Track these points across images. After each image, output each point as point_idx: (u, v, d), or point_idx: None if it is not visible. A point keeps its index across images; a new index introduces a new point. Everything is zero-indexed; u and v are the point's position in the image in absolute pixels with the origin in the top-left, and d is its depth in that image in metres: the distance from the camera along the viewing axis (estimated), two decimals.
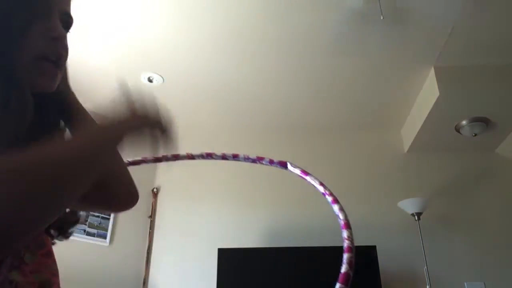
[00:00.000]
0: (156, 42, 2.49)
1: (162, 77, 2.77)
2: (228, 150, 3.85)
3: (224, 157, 1.07)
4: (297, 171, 0.91)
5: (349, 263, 0.64)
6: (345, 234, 0.71)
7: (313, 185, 0.86)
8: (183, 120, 3.33)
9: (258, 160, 1.02)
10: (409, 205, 2.83)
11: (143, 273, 2.97)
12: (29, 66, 0.55)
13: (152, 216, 3.17)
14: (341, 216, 0.74)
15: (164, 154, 1.05)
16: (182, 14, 2.29)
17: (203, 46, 2.51)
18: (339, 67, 2.69)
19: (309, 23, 2.30)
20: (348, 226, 0.72)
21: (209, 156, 1.08)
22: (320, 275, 2.73)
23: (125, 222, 3.04)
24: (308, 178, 0.87)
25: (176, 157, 1.07)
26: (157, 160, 1.04)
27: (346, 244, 0.68)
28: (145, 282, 2.95)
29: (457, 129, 2.94)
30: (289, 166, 0.95)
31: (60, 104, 0.66)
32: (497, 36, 2.41)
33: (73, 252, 2.27)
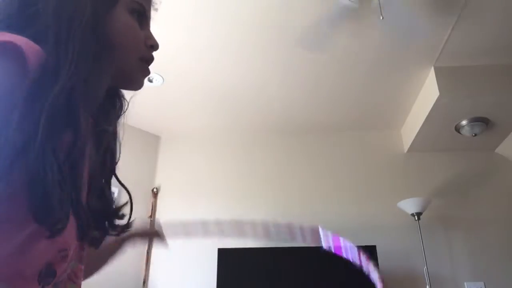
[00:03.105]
0: None
1: (162, 77, 2.77)
2: (227, 150, 3.81)
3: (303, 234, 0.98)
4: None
5: None
6: None
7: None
8: (183, 120, 3.33)
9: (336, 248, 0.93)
10: (409, 205, 2.83)
11: (143, 273, 2.97)
12: (135, 65, 0.62)
13: (152, 216, 3.17)
14: None
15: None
16: (182, 14, 2.29)
17: (203, 46, 2.51)
18: (338, 68, 2.69)
19: (308, 24, 2.29)
20: None
21: (291, 231, 1.01)
22: (321, 275, 2.73)
23: (125, 222, 3.03)
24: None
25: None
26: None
27: None
28: (145, 282, 2.95)
29: (457, 129, 2.93)
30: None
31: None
32: (497, 37, 2.41)
33: None
